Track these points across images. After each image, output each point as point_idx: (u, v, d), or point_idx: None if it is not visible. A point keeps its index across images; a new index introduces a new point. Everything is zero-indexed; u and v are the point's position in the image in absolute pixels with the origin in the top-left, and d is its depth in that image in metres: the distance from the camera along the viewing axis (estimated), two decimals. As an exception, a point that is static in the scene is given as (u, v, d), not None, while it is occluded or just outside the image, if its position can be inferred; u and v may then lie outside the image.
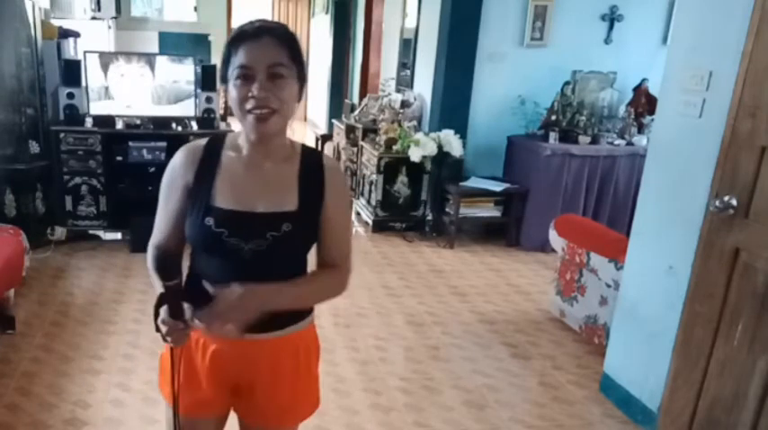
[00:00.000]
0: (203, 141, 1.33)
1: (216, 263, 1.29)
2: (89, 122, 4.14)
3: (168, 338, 1.21)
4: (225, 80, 1.24)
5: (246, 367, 1.34)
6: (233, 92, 1.22)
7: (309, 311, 1.41)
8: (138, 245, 4.02)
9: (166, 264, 1.21)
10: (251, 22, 1.25)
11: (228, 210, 1.26)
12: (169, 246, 1.31)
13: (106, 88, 4.13)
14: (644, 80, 4.85)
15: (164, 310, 1.19)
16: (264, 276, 1.25)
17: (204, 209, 1.26)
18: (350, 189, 1.44)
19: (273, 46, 1.21)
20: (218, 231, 1.24)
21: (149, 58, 4.27)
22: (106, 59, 4.16)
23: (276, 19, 10.83)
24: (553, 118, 4.74)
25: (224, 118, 4.78)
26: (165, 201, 1.33)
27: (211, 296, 1.20)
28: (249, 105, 1.19)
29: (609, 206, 4.70)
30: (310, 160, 1.33)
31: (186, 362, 1.34)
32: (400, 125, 4.97)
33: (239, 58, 1.20)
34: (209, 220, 1.25)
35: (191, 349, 1.34)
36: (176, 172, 1.31)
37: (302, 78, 1.27)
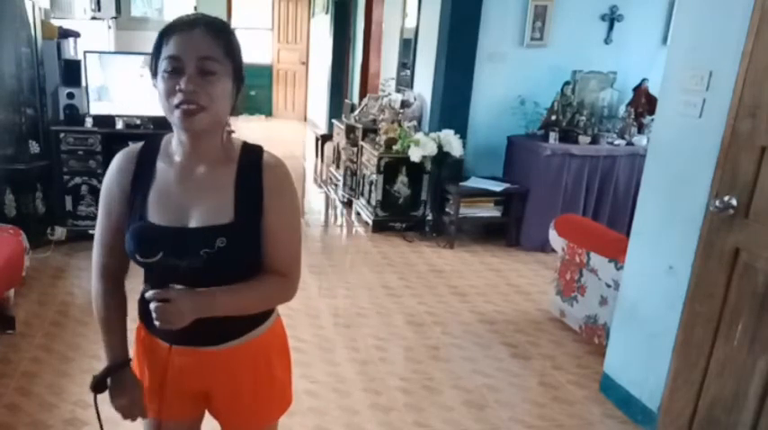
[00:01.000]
0: (137, 148, 1.26)
1: (156, 277, 1.23)
2: (89, 122, 4.14)
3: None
4: (155, 73, 1.16)
5: (204, 377, 1.32)
6: (161, 84, 1.14)
7: (268, 315, 1.35)
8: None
9: (110, 323, 1.32)
10: (187, 15, 1.18)
11: (155, 226, 1.19)
12: (116, 267, 1.31)
13: (106, 88, 4.13)
14: (644, 80, 4.85)
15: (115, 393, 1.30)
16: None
17: (137, 223, 1.21)
18: (295, 189, 1.31)
19: (206, 38, 1.13)
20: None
21: (149, 58, 4.26)
22: (106, 59, 4.16)
23: (276, 19, 10.95)
24: (553, 118, 4.74)
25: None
26: (107, 213, 1.26)
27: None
28: (176, 100, 1.12)
29: (609, 206, 4.70)
30: (249, 161, 1.22)
31: (148, 370, 1.35)
32: (400, 125, 4.97)
33: (168, 49, 1.13)
34: (137, 236, 1.19)
35: (150, 359, 1.34)
36: (113, 180, 1.25)
37: (238, 77, 1.18)
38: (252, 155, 1.23)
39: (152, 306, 1.13)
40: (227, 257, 1.17)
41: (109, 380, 1.32)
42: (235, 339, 1.30)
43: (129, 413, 1.31)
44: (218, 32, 1.15)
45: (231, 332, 1.29)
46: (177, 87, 1.11)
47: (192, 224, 1.18)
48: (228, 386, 1.34)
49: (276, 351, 1.39)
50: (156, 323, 1.14)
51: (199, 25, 1.14)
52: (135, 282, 1.35)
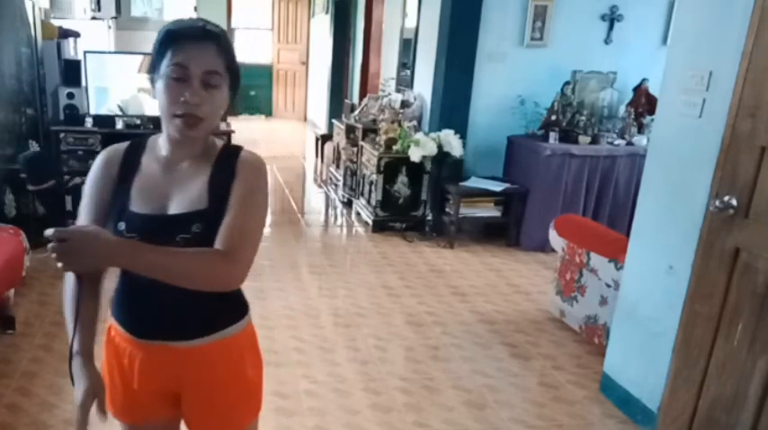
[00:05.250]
0: (124, 145, 1.31)
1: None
2: (89, 122, 4.15)
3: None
4: (155, 71, 1.20)
5: (174, 376, 1.31)
6: (163, 90, 1.18)
7: (241, 316, 1.35)
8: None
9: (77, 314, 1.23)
10: (194, 21, 1.22)
11: (140, 214, 1.22)
12: None
13: (106, 88, 4.13)
14: (644, 80, 4.85)
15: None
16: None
17: (118, 214, 1.23)
18: (265, 183, 1.27)
19: (214, 53, 1.19)
20: (130, 236, 1.19)
21: (149, 58, 4.27)
22: (106, 59, 4.16)
23: (276, 19, 10.95)
24: (553, 118, 4.73)
25: (224, 118, 4.78)
26: (91, 203, 1.26)
27: None
28: (179, 110, 1.16)
29: (609, 206, 4.69)
30: (227, 154, 1.27)
31: (118, 371, 1.33)
32: (400, 125, 4.97)
33: (178, 57, 1.16)
34: (122, 225, 1.22)
35: (120, 358, 1.32)
36: (100, 172, 1.27)
37: (234, 87, 1.25)
38: (231, 150, 1.28)
39: (49, 246, 1.07)
40: (202, 242, 1.18)
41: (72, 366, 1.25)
42: (206, 335, 1.29)
43: (87, 405, 1.25)
44: (224, 47, 1.21)
45: (201, 327, 1.28)
46: (182, 98, 1.16)
47: (172, 211, 1.23)
48: (199, 386, 1.32)
49: (249, 351, 1.38)
50: (59, 265, 1.09)
51: (209, 39, 1.19)
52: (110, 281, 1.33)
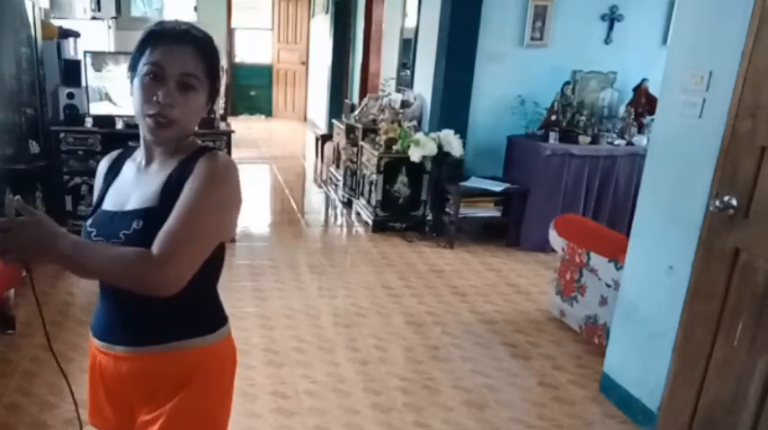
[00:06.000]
0: (118, 151, 1.36)
1: None
2: (89, 122, 4.14)
3: None
4: (134, 69, 1.19)
5: (124, 384, 1.25)
6: (138, 88, 1.17)
7: (209, 328, 1.26)
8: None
9: None
10: (177, 23, 1.20)
11: (103, 211, 1.25)
12: None
13: (106, 88, 4.13)
14: (644, 80, 4.85)
15: None
16: None
17: (92, 211, 1.28)
18: (220, 185, 1.18)
19: (193, 56, 1.17)
20: (90, 230, 1.22)
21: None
22: (106, 59, 4.16)
23: (276, 19, 10.95)
24: (553, 118, 4.73)
25: (224, 118, 4.78)
26: (92, 209, 1.31)
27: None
28: (151, 110, 1.15)
29: (609, 206, 4.69)
30: (194, 157, 1.19)
31: (90, 375, 1.34)
32: (400, 125, 4.97)
33: (155, 56, 1.15)
34: (89, 221, 1.25)
35: (92, 362, 1.32)
36: (96, 180, 1.35)
37: (213, 94, 1.23)
38: (200, 153, 1.20)
39: None
40: (141, 240, 1.12)
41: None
42: (156, 344, 1.21)
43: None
44: (204, 51, 1.19)
45: (151, 333, 1.21)
46: (155, 98, 1.14)
47: (126, 208, 1.22)
48: (146, 401, 1.24)
49: (213, 376, 1.27)
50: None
51: (189, 42, 1.17)
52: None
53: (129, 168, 1.28)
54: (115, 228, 1.18)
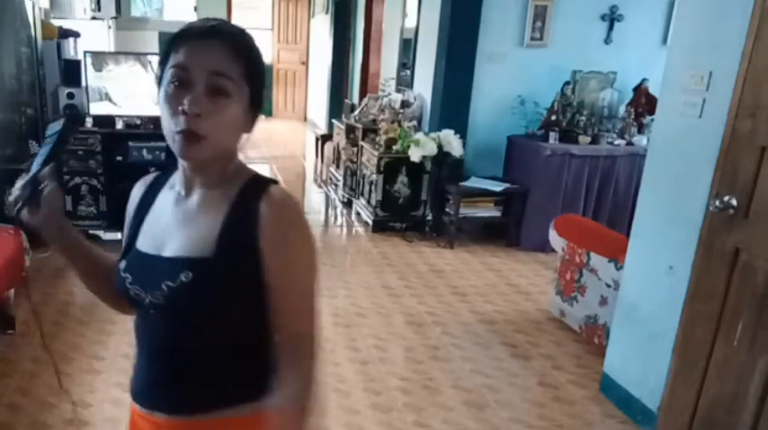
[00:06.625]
0: (153, 175, 1.15)
1: (136, 316, 1.09)
2: (89, 122, 4.15)
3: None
4: (159, 84, 0.99)
5: None
6: (162, 101, 0.96)
7: (262, 393, 1.03)
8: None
9: None
10: (207, 19, 0.99)
11: (140, 253, 1.05)
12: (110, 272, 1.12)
13: (106, 88, 4.14)
14: (644, 80, 4.85)
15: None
16: (170, 341, 1.02)
17: (124, 250, 1.09)
18: (307, 232, 1.04)
19: (224, 53, 0.95)
20: (124, 276, 1.04)
21: (149, 58, 4.28)
22: (106, 59, 4.16)
23: (276, 19, 10.95)
24: (553, 118, 4.73)
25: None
26: (124, 236, 1.15)
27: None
28: (179, 125, 0.93)
29: (609, 206, 4.69)
30: (250, 193, 1.00)
31: None
32: (400, 125, 4.97)
33: (177, 57, 0.95)
34: (122, 263, 1.06)
35: None
36: (128, 207, 1.15)
37: (255, 103, 1.00)
38: (257, 186, 1.01)
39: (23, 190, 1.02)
40: (189, 296, 0.97)
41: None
42: (203, 412, 1.04)
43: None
44: (239, 48, 0.97)
45: (199, 400, 1.05)
46: (180, 108, 0.93)
47: (167, 253, 1.02)
48: None
49: None
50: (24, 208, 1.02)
51: (218, 37, 0.96)
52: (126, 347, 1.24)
53: (165, 199, 1.08)
54: (156, 277, 0.99)
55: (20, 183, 1.04)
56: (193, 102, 0.93)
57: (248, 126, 1.01)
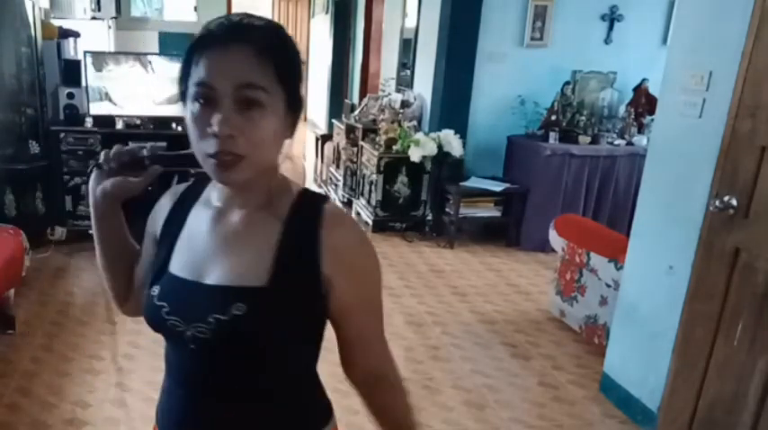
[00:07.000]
0: (183, 186, 1.03)
1: (170, 351, 0.96)
2: (89, 122, 4.14)
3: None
4: (183, 98, 0.88)
5: None
6: (190, 121, 0.86)
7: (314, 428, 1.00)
8: (139, 244, 4.01)
9: None
10: (227, 17, 0.86)
11: (177, 278, 0.93)
12: (122, 293, 1.09)
13: (106, 88, 4.13)
14: (644, 80, 4.85)
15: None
16: (213, 378, 0.91)
17: (156, 274, 0.95)
18: (373, 250, 0.95)
19: (249, 58, 0.83)
20: (159, 305, 0.91)
21: (149, 58, 4.27)
22: (106, 59, 4.16)
23: (276, 19, 10.87)
24: (553, 118, 4.74)
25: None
26: (143, 248, 1.07)
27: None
28: (210, 148, 0.83)
29: (609, 206, 4.70)
30: (304, 212, 0.91)
31: None
32: (400, 125, 4.97)
33: (199, 71, 0.83)
34: (155, 289, 0.93)
35: None
36: (150, 219, 1.04)
37: (295, 105, 0.89)
38: (310, 205, 0.92)
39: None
40: (243, 330, 0.86)
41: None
42: None
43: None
44: (266, 48, 0.84)
45: None
46: (209, 130, 0.83)
47: (209, 280, 0.90)
48: None
49: None
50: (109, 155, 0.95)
51: (239, 39, 0.83)
52: (151, 374, 1.07)
53: (200, 216, 0.96)
54: (200, 309, 0.88)
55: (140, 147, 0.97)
56: (223, 122, 0.82)
57: (289, 131, 0.90)
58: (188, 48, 0.87)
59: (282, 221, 0.90)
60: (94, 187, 0.98)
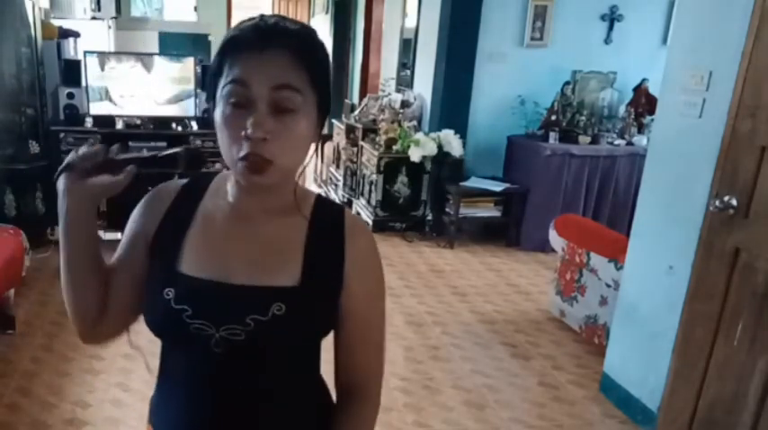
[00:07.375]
0: (181, 182, 0.98)
1: (179, 357, 0.92)
2: (89, 122, 4.15)
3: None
4: (212, 99, 0.87)
5: None
6: (220, 122, 0.85)
7: None
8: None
9: None
10: (261, 18, 0.85)
11: (196, 279, 0.89)
12: (93, 308, 1.00)
13: (106, 88, 4.13)
14: (644, 80, 4.85)
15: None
16: (242, 382, 0.89)
17: (164, 276, 0.90)
18: (381, 263, 1.00)
19: (286, 60, 0.83)
20: (179, 308, 0.86)
21: (149, 58, 4.27)
22: (106, 59, 4.16)
23: (276, 19, 10.92)
24: (553, 118, 4.74)
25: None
26: (121, 245, 0.99)
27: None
28: (243, 151, 0.82)
29: (609, 206, 4.70)
30: (327, 218, 0.94)
31: None
32: (400, 125, 4.97)
33: (234, 71, 0.83)
34: (169, 292, 0.88)
35: None
36: (136, 219, 0.97)
37: (324, 108, 0.89)
38: (330, 212, 0.96)
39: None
40: (283, 333, 0.87)
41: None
42: None
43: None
44: (302, 51, 0.84)
45: None
46: (243, 132, 0.82)
47: (240, 280, 0.88)
48: None
49: None
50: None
51: (276, 41, 0.83)
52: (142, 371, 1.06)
53: (214, 212, 0.94)
54: (234, 310, 0.86)
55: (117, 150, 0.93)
56: (257, 125, 0.81)
57: (317, 136, 0.91)
58: (220, 47, 0.86)
59: (308, 223, 0.93)
60: (67, 189, 0.92)
